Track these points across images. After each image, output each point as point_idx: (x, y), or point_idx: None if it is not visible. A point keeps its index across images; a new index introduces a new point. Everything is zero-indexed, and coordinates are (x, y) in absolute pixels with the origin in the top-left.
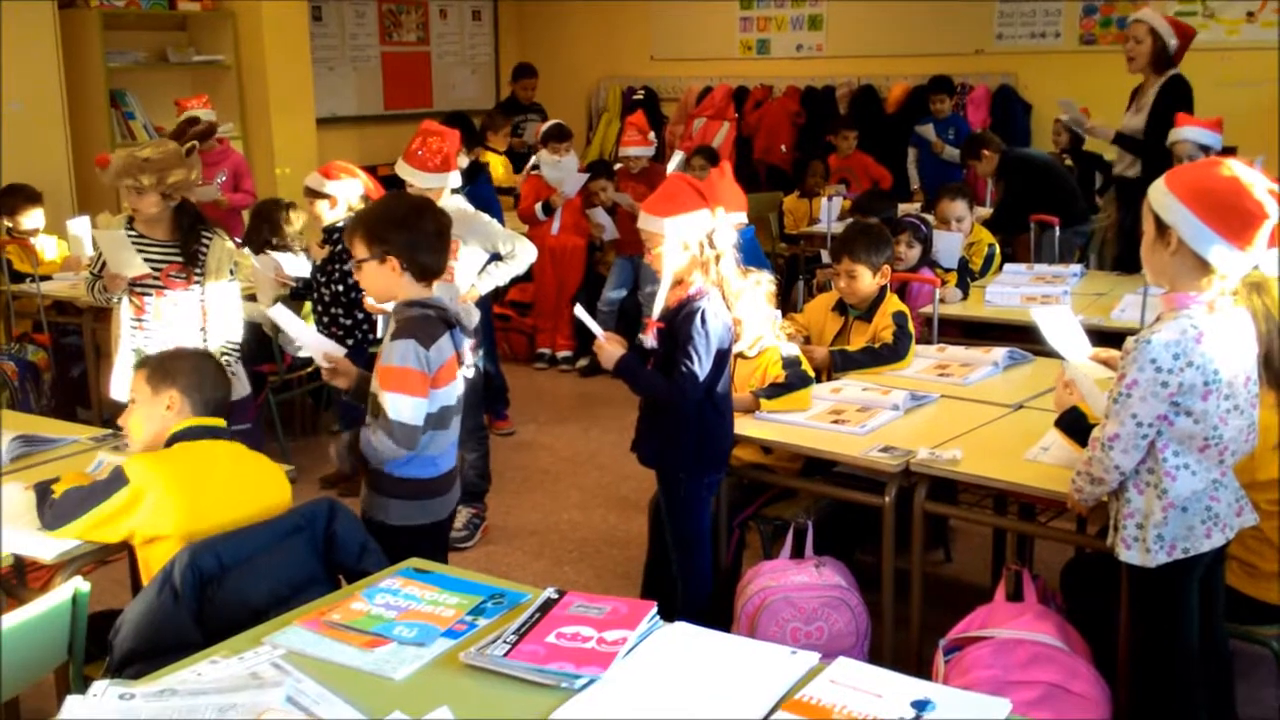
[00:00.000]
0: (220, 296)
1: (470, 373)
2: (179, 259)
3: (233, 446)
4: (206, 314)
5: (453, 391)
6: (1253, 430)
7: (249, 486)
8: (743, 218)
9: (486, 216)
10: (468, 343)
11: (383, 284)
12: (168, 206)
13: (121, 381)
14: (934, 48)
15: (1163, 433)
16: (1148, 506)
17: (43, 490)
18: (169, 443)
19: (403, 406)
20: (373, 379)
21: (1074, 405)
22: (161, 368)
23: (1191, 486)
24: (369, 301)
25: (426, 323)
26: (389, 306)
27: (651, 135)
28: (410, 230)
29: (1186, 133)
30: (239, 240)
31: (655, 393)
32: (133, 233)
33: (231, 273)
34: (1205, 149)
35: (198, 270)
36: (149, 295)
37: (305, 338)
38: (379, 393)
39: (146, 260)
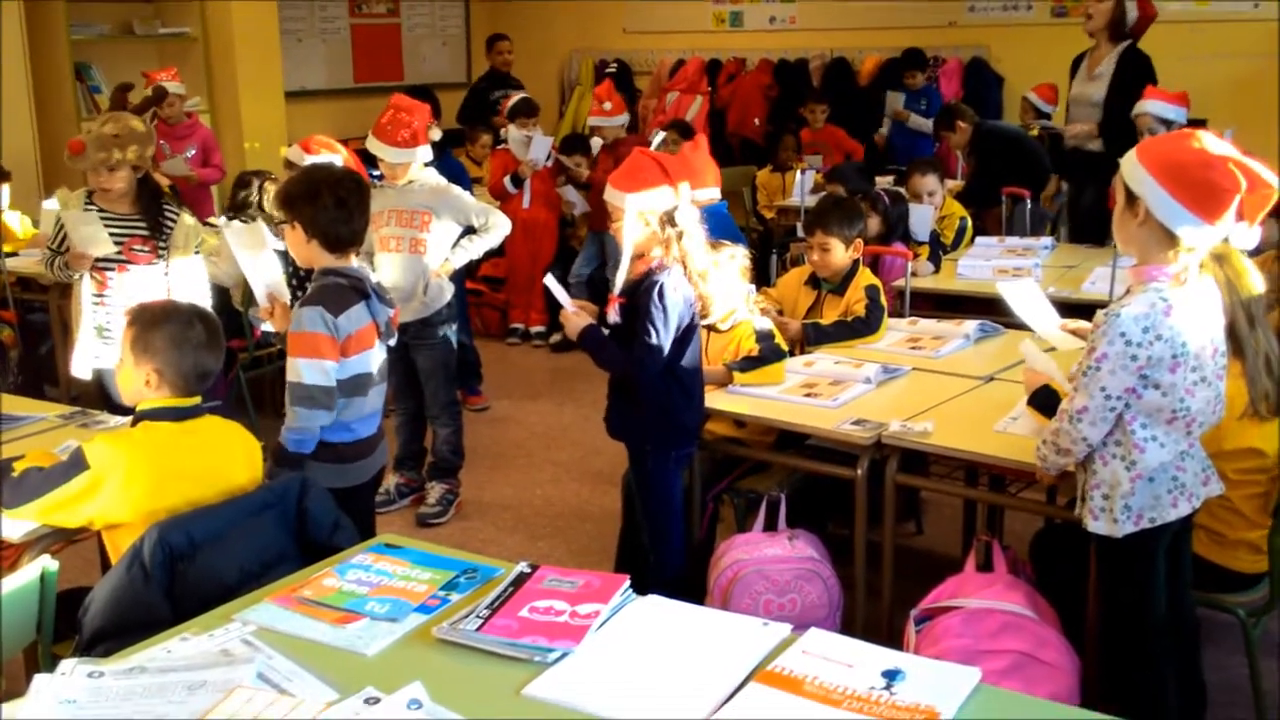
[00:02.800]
0: (185, 273)
1: (393, 342)
2: (143, 232)
3: (202, 424)
4: (171, 291)
5: (368, 360)
6: (1220, 401)
7: (214, 469)
8: (716, 193)
9: (459, 189)
10: (388, 313)
11: (299, 250)
12: (135, 179)
13: (83, 359)
14: (906, 20)
15: (1131, 405)
16: (1115, 477)
17: (3, 468)
18: (135, 420)
19: (311, 370)
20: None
21: (1045, 384)
22: (144, 338)
23: (1160, 458)
24: None
25: (337, 290)
26: None
27: (607, 105)
28: (310, 201)
29: (1150, 106)
30: (208, 220)
31: (615, 365)
32: (93, 207)
33: (196, 250)
34: (1168, 123)
35: (162, 243)
36: (111, 271)
37: (253, 268)
38: (289, 361)
39: (110, 235)
